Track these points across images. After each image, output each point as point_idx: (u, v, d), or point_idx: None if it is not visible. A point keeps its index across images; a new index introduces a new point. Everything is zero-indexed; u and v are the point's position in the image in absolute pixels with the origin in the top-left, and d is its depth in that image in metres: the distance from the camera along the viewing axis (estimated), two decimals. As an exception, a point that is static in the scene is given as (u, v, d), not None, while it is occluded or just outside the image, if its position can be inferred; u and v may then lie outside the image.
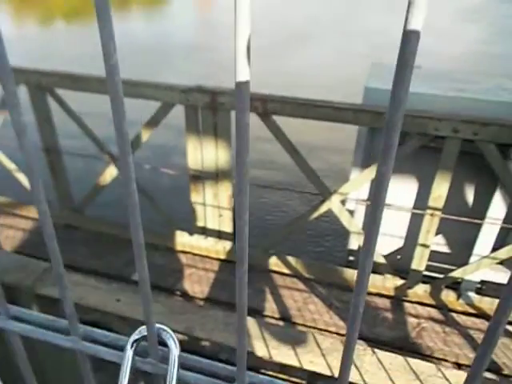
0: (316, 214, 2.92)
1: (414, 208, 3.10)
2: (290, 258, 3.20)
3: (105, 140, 3.20)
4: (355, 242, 3.30)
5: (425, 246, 2.79)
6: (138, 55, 26.89)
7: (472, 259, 2.90)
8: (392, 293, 3.01)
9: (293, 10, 40.42)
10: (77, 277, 2.29)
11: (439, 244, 3.43)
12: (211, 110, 2.73)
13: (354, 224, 2.93)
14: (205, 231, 3.31)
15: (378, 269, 3.05)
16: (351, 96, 3.30)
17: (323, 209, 2.88)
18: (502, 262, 2.85)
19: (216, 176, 3.01)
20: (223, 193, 3.08)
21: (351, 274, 3.10)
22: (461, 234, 3.11)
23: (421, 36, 0.29)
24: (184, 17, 44.13)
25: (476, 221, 2.67)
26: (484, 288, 3.22)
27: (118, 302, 2.11)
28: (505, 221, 2.71)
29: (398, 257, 3.63)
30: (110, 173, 3.30)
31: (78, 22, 39.83)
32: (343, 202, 3.02)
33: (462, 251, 3.17)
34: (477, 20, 40.31)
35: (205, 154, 2.93)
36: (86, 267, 3.17)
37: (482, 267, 2.78)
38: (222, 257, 3.32)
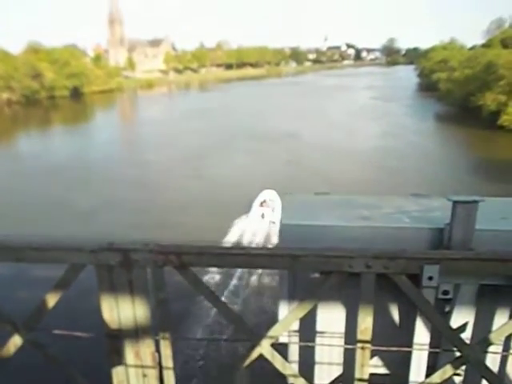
0: (248, 362, 2.75)
1: (345, 337, 3.07)
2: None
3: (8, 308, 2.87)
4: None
5: (362, 380, 2.70)
6: (63, 173, 26.28)
7: (410, 387, 2.84)
8: None
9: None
10: None
11: (377, 366, 3.37)
12: (125, 268, 2.59)
13: (289, 367, 2.79)
14: (129, 395, 2.95)
15: None
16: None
17: (254, 355, 2.72)
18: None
19: (136, 333, 2.78)
20: (146, 350, 2.82)
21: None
22: (395, 354, 3.09)
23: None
24: (108, 132, 45.12)
25: (404, 349, 2.67)
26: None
27: None
28: (431, 344, 2.75)
29: (340, 384, 3.48)
30: (14, 343, 2.91)
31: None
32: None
33: (399, 370, 3.13)
34: (371, 118, 45.92)
35: (121, 312, 2.72)
36: None
37: (420, 394, 2.73)
38: (151, 424, 2.93)
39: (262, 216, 16.36)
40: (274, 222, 14.79)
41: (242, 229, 15.93)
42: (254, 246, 15.16)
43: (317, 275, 3.09)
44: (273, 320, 3.43)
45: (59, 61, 74.99)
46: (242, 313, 7.98)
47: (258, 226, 16.00)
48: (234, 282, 10.64)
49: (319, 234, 2.92)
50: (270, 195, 16.72)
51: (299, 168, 23.60)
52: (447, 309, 2.96)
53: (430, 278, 2.43)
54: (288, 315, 2.76)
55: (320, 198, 3.65)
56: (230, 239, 15.39)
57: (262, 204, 16.81)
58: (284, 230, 2.99)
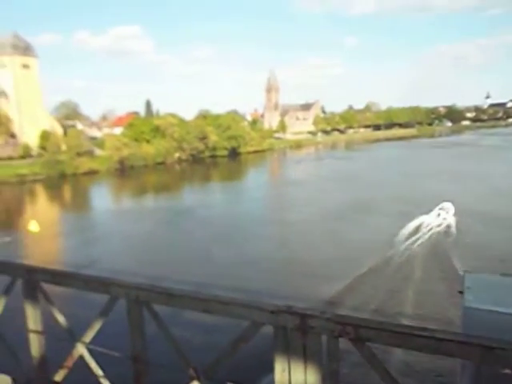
0: None
1: None
2: None
3: (191, 354, 3.19)
4: None
5: None
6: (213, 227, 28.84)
7: None
8: None
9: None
10: None
11: None
12: (301, 332, 2.66)
13: None
14: None
15: None
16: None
17: None
18: None
19: (305, 401, 2.77)
20: (313, 420, 2.77)
21: None
22: None
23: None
24: (256, 190, 48.29)
25: None
26: None
27: None
28: None
29: None
30: (193, 388, 3.18)
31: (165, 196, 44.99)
32: None
33: None
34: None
35: (293, 375, 2.76)
36: None
37: None
38: None
39: (438, 215, 24.66)
40: (445, 219, 24.07)
41: (421, 221, 23.77)
42: (428, 236, 21.91)
43: (508, 371, 2.68)
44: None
45: (222, 125, 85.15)
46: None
47: (433, 220, 23.93)
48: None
49: (513, 323, 2.56)
50: (447, 204, 25.34)
51: (459, 239, 21.30)
52: None
53: None
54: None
55: (509, 281, 3.23)
56: (411, 225, 22.79)
57: (440, 209, 24.95)
58: (469, 313, 2.71)
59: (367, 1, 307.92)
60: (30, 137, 72.59)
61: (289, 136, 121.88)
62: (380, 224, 26.37)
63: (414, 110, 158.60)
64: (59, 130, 75.16)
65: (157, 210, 37.90)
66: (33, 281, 3.74)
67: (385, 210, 30.80)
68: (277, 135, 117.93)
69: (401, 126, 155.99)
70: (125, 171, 67.82)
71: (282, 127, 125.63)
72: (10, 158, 66.03)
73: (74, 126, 79.43)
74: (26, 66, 75.17)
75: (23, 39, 76.71)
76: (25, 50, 75.56)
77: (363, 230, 25.55)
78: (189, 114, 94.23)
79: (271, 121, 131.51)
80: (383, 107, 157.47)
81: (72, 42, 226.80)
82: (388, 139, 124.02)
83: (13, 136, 73.13)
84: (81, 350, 3.55)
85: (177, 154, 78.43)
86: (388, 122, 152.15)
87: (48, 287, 3.75)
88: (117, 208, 41.05)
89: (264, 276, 18.68)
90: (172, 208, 37.99)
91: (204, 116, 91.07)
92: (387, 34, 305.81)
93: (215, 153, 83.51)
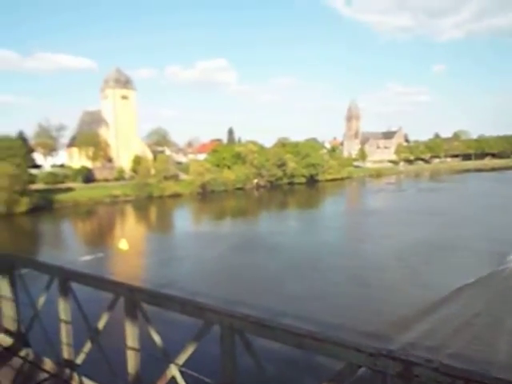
0: None
1: None
2: None
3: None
4: None
5: None
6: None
7: None
8: None
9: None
10: None
11: None
12: (403, 380, 2.50)
13: None
14: None
15: None
16: None
17: None
18: None
19: None
20: None
21: None
22: None
23: None
24: (331, 219, 47.16)
25: None
26: None
27: None
28: None
29: None
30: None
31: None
32: None
33: None
34: None
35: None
36: None
37: None
38: None
39: None
40: None
41: None
42: None
43: None
44: None
45: (301, 153, 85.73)
46: None
47: None
48: None
49: None
50: None
51: None
52: None
53: None
54: None
55: None
56: None
57: None
58: None
59: (456, 26, 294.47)
60: (124, 161, 79.39)
61: (368, 164, 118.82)
62: (472, 263, 24.22)
63: (510, 138, 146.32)
64: (149, 155, 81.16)
65: (233, 234, 38.66)
66: (133, 300, 3.98)
67: (476, 248, 28.25)
68: (356, 163, 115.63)
69: (494, 155, 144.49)
70: (206, 195, 70.73)
71: (362, 155, 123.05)
72: (106, 180, 72.50)
73: (162, 152, 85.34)
74: (124, 98, 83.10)
75: (124, 74, 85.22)
76: (125, 83, 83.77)
77: (447, 269, 23.60)
78: (268, 142, 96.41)
79: (350, 149, 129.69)
80: (474, 136, 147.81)
81: (164, 75, 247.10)
82: (479, 170, 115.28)
83: (110, 160, 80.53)
84: (174, 371, 3.67)
85: (255, 180, 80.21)
86: (479, 152, 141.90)
87: (146, 307, 3.96)
88: (196, 230, 42.66)
89: (336, 309, 17.91)
90: (248, 234, 38.52)
91: (283, 143, 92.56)
92: (478, 60, 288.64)
93: (293, 180, 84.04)
